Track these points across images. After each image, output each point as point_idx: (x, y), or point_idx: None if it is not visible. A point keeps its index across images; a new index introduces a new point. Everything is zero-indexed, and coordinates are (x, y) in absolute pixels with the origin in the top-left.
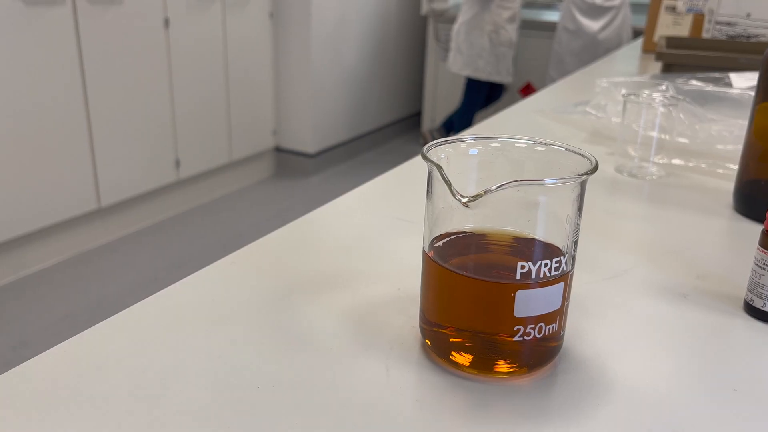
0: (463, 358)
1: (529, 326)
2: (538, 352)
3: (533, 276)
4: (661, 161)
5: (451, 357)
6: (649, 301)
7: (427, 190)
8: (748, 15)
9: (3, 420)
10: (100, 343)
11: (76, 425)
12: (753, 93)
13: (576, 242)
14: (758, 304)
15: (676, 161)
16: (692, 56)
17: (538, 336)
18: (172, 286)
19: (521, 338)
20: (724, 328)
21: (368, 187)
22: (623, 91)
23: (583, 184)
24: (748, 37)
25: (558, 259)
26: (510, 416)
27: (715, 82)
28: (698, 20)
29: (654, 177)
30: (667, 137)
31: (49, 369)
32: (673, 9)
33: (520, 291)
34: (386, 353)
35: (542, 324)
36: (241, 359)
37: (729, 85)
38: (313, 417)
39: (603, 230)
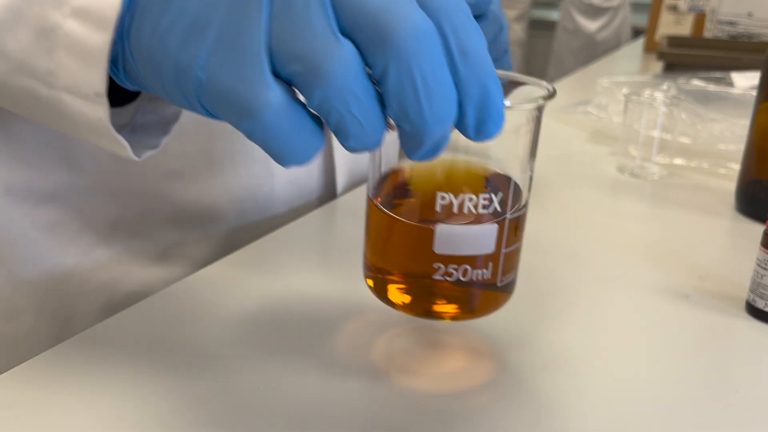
0: (403, 297)
1: (451, 266)
2: (472, 295)
3: (455, 210)
4: (662, 161)
5: (391, 298)
6: (651, 301)
7: None
8: (750, 14)
9: (3, 420)
10: (100, 343)
11: (76, 426)
12: (755, 93)
13: (530, 185)
14: (760, 304)
15: (677, 161)
16: (694, 56)
17: (462, 279)
18: (172, 285)
19: (442, 278)
20: (726, 329)
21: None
22: (625, 91)
23: (538, 116)
24: (750, 36)
25: (487, 196)
26: (504, 422)
27: (717, 81)
28: (700, 19)
29: (656, 177)
30: (669, 137)
31: (49, 369)
32: (674, 8)
33: (441, 226)
34: (387, 356)
35: (467, 266)
36: (240, 360)
37: (731, 84)
38: (314, 418)
39: (604, 230)
